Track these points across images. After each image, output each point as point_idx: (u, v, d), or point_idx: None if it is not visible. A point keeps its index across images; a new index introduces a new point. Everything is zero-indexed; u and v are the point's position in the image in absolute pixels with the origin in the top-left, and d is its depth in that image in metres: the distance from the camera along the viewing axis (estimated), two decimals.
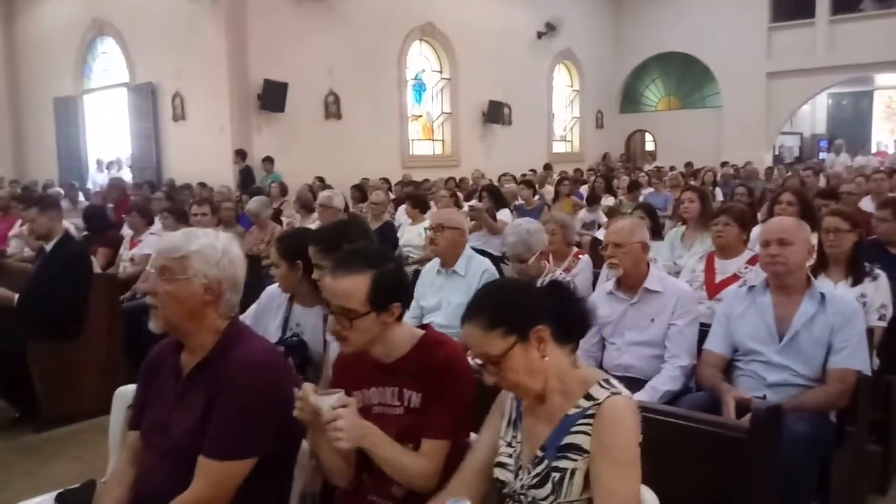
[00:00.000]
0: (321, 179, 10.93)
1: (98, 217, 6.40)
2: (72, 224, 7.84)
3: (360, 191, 10.83)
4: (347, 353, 1.89)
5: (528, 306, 1.58)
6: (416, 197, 7.17)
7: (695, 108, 18.85)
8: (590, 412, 1.54)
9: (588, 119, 19.45)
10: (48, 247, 4.37)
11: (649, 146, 20.46)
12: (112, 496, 1.87)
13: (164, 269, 1.81)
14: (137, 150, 13.13)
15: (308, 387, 1.74)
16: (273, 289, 3.00)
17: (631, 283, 3.01)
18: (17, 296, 4.14)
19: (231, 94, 11.65)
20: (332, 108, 13.02)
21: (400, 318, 1.85)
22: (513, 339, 1.53)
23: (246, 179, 11.32)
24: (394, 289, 1.83)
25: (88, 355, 4.28)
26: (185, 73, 12.11)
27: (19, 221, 7.19)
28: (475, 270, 3.41)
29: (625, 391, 1.58)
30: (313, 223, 6.29)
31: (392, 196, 10.04)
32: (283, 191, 9.91)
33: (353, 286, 1.76)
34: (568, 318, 1.61)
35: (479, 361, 1.58)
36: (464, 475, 1.69)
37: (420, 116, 15.66)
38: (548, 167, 14.57)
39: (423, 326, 1.97)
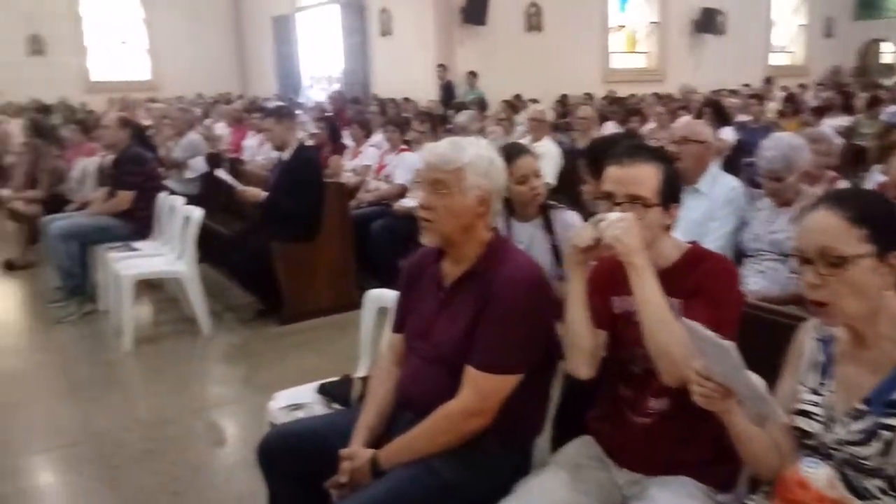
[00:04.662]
0: (518, 97, 10.77)
1: (336, 129, 6.81)
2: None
3: (563, 106, 10.57)
4: (607, 260, 1.79)
5: None
6: (634, 110, 6.83)
7: None
8: None
9: (815, 27, 17.28)
10: (285, 155, 4.67)
11: (887, 58, 17.84)
12: (380, 390, 1.96)
13: (438, 182, 1.79)
14: (348, 65, 13.65)
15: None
16: None
17: None
18: (263, 193, 4.50)
19: (435, 6, 11.66)
20: (534, 20, 12.65)
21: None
22: (870, 247, 1.30)
23: (448, 94, 11.42)
24: (677, 188, 1.73)
25: (324, 258, 4.61)
26: None
27: (251, 132, 7.83)
28: (721, 190, 3.14)
29: None
30: (521, 138, 6.21)
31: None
32: (482, 106, 9.88)
33: (644, 174, 1.67)
34: None
35: (807, 257, 1.34)
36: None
37: (623, 27, 14.78)
38: (769, 81, 13.23)
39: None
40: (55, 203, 5.74)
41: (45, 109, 11.07)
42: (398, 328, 2.03)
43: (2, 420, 3.41)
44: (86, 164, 5.93)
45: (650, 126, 7.53)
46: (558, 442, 1.93)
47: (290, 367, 3.92)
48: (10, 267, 6.04)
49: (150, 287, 4.95)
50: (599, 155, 2.45)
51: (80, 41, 15.11)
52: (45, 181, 6.04)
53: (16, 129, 9.20)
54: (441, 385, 1.79)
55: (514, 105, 9.50)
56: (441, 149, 1.83)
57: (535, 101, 9.90)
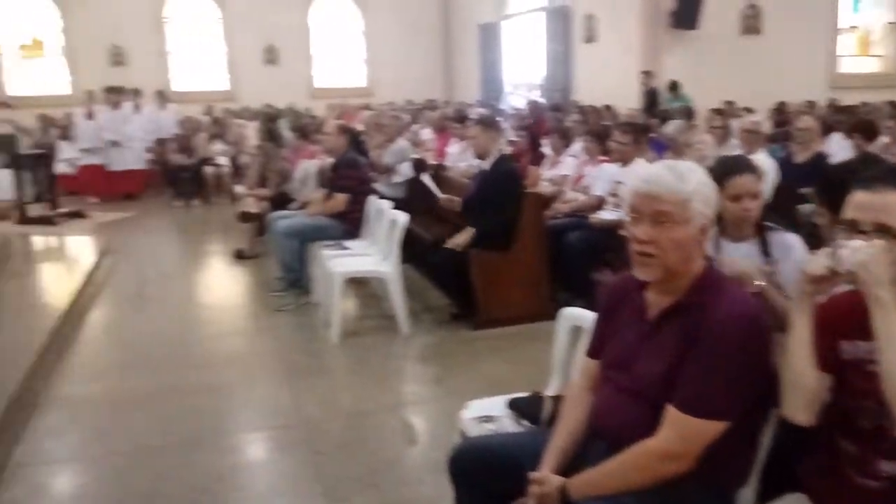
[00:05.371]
0: (730, 103, 10.13)
1: (535, 138, 6.87)
2: None
3: (780, 114, 9.79)
4: (839, 299, 1.63)
5: None
6: (863, 123, 6.11)
7: None
8: None
9: None
10: (485, 164, 4.78)
11: None
12: (573, 416, 1.94)
13: (661, 214, 1.69)
14: (550, 72, 13.69)
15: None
16: None
17: None
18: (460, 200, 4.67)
19: (642, 11, 11.33)
20: (751, 23, 11.84)
21: None
22: None
23: (651, 102, 11.03)
24: None
25: (517, 267, 4.66)
26: None
27: (454, 139, 8.11)
28: None
29: None
30: (731, 151, 5.83)
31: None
32: (689, 115, 9.38)
33: None
34: None
35: None
36: None
37: (856, 28, 13.37)
38: None
39: None
40: (280, 201, 6.36)
41: (275, 114, 12.29)
42: (594, 353, 1.99)
43: (225, 398, 3.84)
44: (307, 167, 6.49)
45: (883, 140, 6.71)
46: (766, 495, 1.79)
47: (480, 372, 4.01)
48: (240, 256, 6.78)
49: (356, 283, 5.31)
50: (837, 181, 2.24)
51: (307, 51, 16.56)
52: (273, 181, 6.72)
53: (251, 132, 10.33)
54: (639, 420, 1.73)
55: (725, 113, 8.95)
56: (663, 178, 1.72)
57: (749, 109, 9.29)
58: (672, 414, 1.66)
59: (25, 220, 8.55)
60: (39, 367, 3.99)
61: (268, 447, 3.38)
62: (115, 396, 3.84)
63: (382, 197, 5.52)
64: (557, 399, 2.30)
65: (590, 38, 12.45)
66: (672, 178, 1.70)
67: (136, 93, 11.67)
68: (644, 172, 1.80)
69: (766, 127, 5.42)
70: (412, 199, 6.22)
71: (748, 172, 2.61)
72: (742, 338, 1.64)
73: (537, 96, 13.67)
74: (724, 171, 2.65)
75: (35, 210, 8.85)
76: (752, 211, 2.64)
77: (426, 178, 5.20)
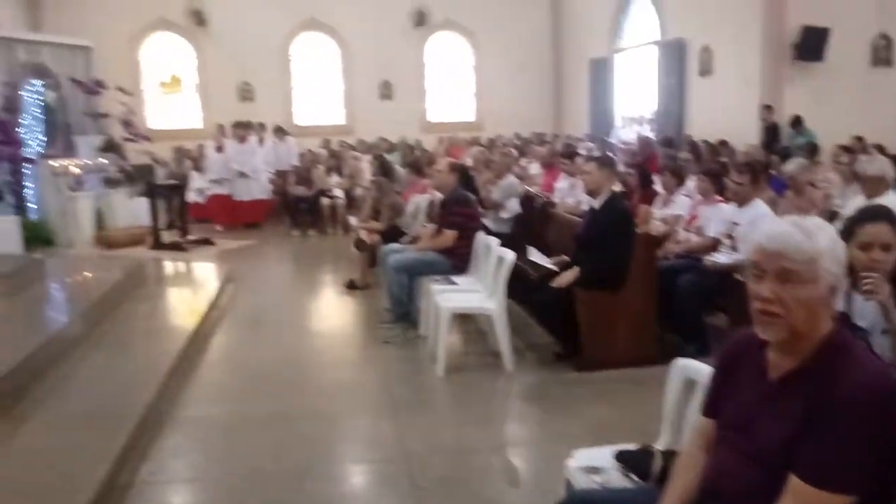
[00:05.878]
0: (860, 139, 9.56)
1: (647, 176, 6.75)
2: None
3: None
4: None
5: None
6: None
7: None
8: None
9: None
10: (596, 203, 4.73)
11: None
12: (684, 479, 1.88)
13: (788, 272, 1.63)
14: (662, 106, 13.43)
15: None
16: None
17: None
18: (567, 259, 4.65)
19: (763, 43, 10.92)
20: (883, 54, 11.16)
21: None
22: None
23: (772, 137, 10.58)
24: None
25: (625, 309, 4.57)
26: (715, 26, 11.78)
27: (563, 174, 8.08)
28: None
29: None
30: (854, 197, 5.48)
31: None
32: (813, 152, 8.91)
33: None
34: None
35: None
36: None
37: None
38: None
39: None
40: (392, 233, 6.54)
41: (389, 148, 12.70)
42: (710, 412, 1.93)
43: (333, 427, 3.96)
44: (419, 201, 6.66)
45: None
46: None
47: (584, 416, 3.94)
48: (352, 286, 7.01)
49: (463, 318, 5.37)
50: None
51: (421, 86, 17.04)
52: (385, 215, 6.93)
53: (366, 165, 10.72)
54: (756, 485, 1.66)
55: (854, 150, 8.46)
56: (789, 235, 1.65)
57: (880, 147, 8.75)
58: (794, 484, 1.58)
59: (159, 245, 9.23)
60: (166, 388, 4.27)
61: (372, 479, 3.45)
62: (233, 419, 4.05)
63: (490, 233, 5.58)
64: (668, 455, 2.23)
65: (705, 71, 12.12)
66: (800, 236, 1.64)
67: (262, 127, 12.39)
68: (769, 229, 1.73)
69: (888, 168, 4.94)
70: (518, 234, 6.24)
71: (883, 221, 2.46)
72: (873, 410, 1.54)
73: (648, 130, 13.42)
74: (857, 217, 2.53)
75: (168, 236, 9.54)
76: (883, 263, 2.48)
77: (535, 254, 5.06)
